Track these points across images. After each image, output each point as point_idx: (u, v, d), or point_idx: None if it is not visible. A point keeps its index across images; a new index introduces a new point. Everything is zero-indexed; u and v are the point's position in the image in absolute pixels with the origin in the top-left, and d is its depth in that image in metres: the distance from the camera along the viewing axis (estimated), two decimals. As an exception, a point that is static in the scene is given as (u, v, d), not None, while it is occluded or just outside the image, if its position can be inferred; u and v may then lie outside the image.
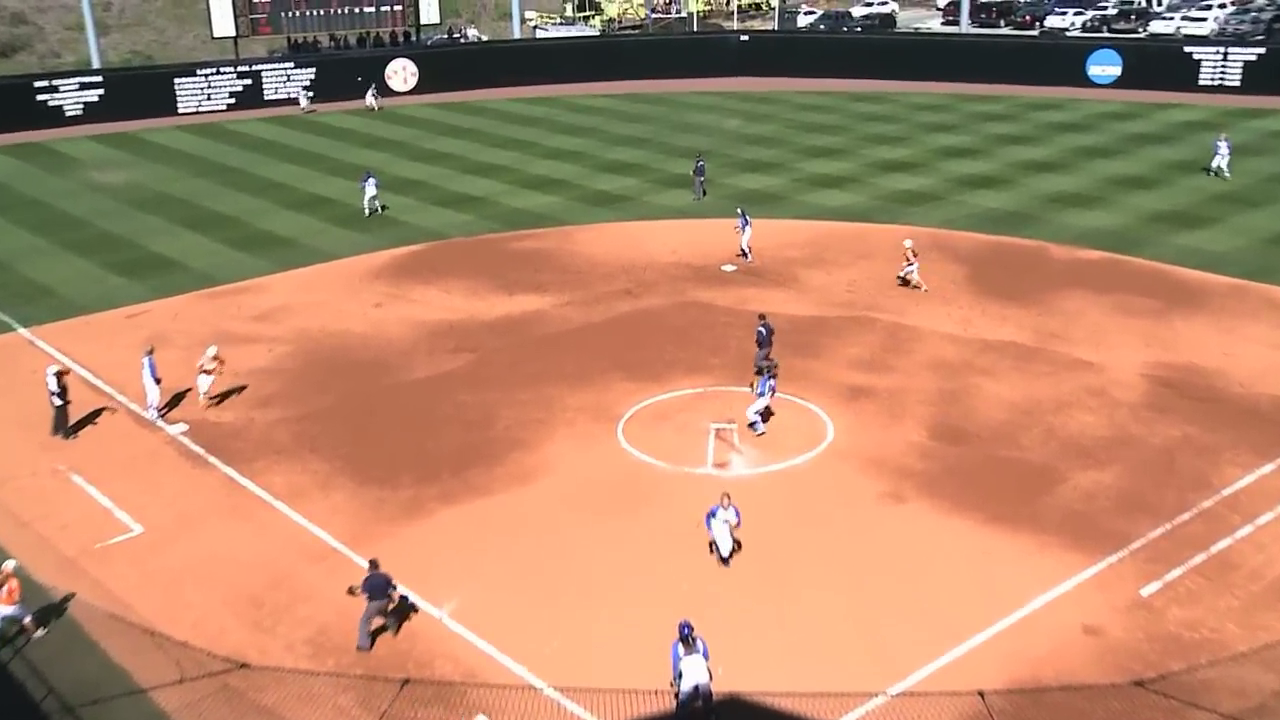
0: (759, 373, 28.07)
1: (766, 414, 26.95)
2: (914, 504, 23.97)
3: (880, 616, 20.21)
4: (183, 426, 27.93)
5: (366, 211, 45.22)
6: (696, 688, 17.03)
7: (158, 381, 28.09)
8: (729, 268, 38.81)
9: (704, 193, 47.36)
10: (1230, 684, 17.98)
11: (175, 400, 28.97)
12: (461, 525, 23.53)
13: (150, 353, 28.24)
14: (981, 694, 14.11)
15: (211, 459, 26.48)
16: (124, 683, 18.59)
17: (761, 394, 26.60)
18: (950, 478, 24.91)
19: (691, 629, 17.28)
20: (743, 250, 39.21)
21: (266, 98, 67.31)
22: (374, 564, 20.06)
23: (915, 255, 36.06)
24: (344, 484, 25.27)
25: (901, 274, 36.23)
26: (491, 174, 52.13)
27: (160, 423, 28.05)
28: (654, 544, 22.63)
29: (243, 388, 29.97)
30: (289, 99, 67.27)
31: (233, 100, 66.80)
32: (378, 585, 19.71)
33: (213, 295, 37.01)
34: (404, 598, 20.32)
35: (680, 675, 17.03)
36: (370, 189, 45.24)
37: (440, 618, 20.40)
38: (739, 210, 39.87)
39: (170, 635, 19.41)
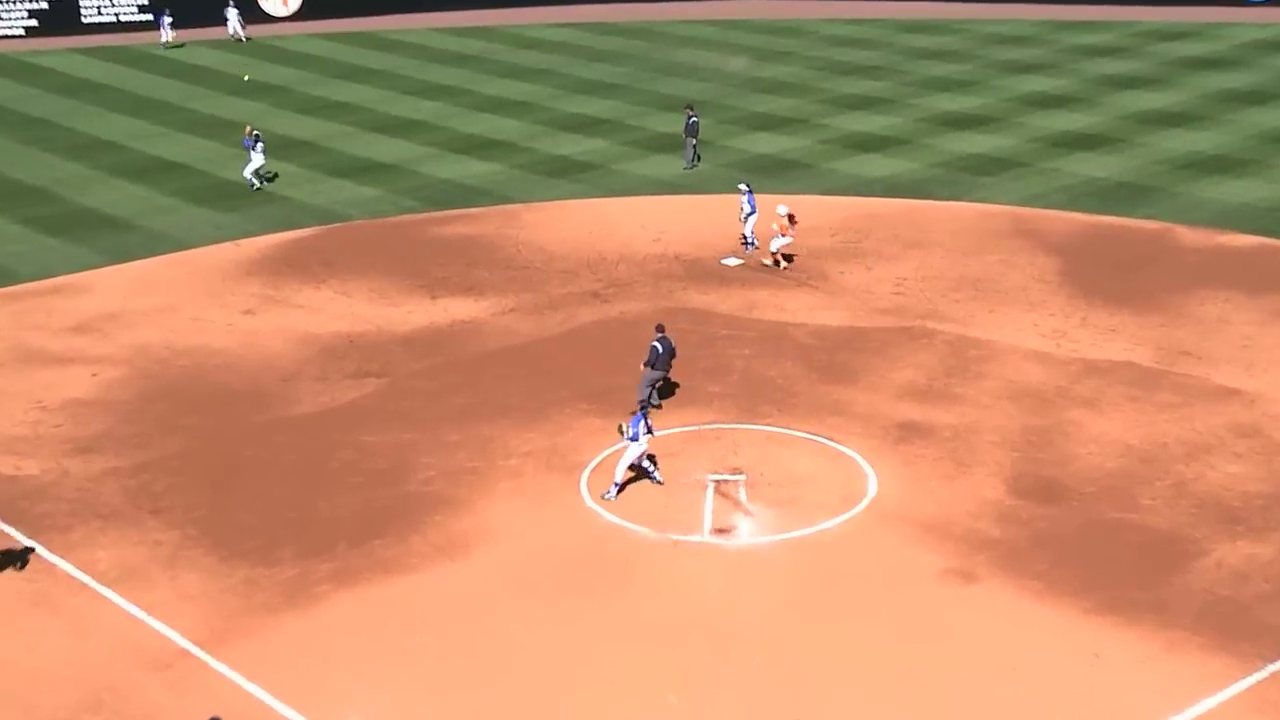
0: (644, 407, 28.09)
1: (652, 462, 26.98)
2: (989, 584, 23.85)
3: (946, 741, 20.06)
4: (-40, 480, 27.64)
5: (253, 184, 45.06)
6: None
7: None
8: (732, 261, 38.74)
9: (697, 158, 47.35)
10: None
11: (-38, 443, 28.67)
12: (365, 615, 23.24)
13: None
14: None
15: (4, 527, 26.09)
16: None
17: (634, 438, 26.37)
18: (1040, 550, 24.81)
19: None
20: (745, 238, 39.24)
21: (85, 19, 66.85)
22: None
23: (793, 223, 37.10)
24: (198, 560, 24.95)
25: (773, 249, 37.53)
26: (407, 133, 52.07)
27: None
28: (628, 638, 22.42)
29: (55, 427, 29.64)
30: (118, 22, 66.86)
31: (33, 23, 66.25)
32: None
33: (10, 297, 36.69)
34: None
35: None
36: (257, 156, 45.12)
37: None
38: (742, 185, 39.88)
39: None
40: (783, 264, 38.03)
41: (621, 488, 26.49)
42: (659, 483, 26.77)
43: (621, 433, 26.47)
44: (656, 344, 29.57)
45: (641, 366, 29.62)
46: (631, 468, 26.56)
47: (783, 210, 37.46)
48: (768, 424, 29.49)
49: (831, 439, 28.69)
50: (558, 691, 21.28)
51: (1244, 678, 21.45)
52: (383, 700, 20.94)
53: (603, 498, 26.38)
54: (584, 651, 22.21)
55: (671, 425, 29.30)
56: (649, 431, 26.40)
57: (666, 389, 30.48)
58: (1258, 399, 30.23)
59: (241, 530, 25.85)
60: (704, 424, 29.49)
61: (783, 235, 37.45)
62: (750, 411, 29.92)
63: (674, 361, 29.82)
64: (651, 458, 26.85)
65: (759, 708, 20.85)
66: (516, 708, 20.94)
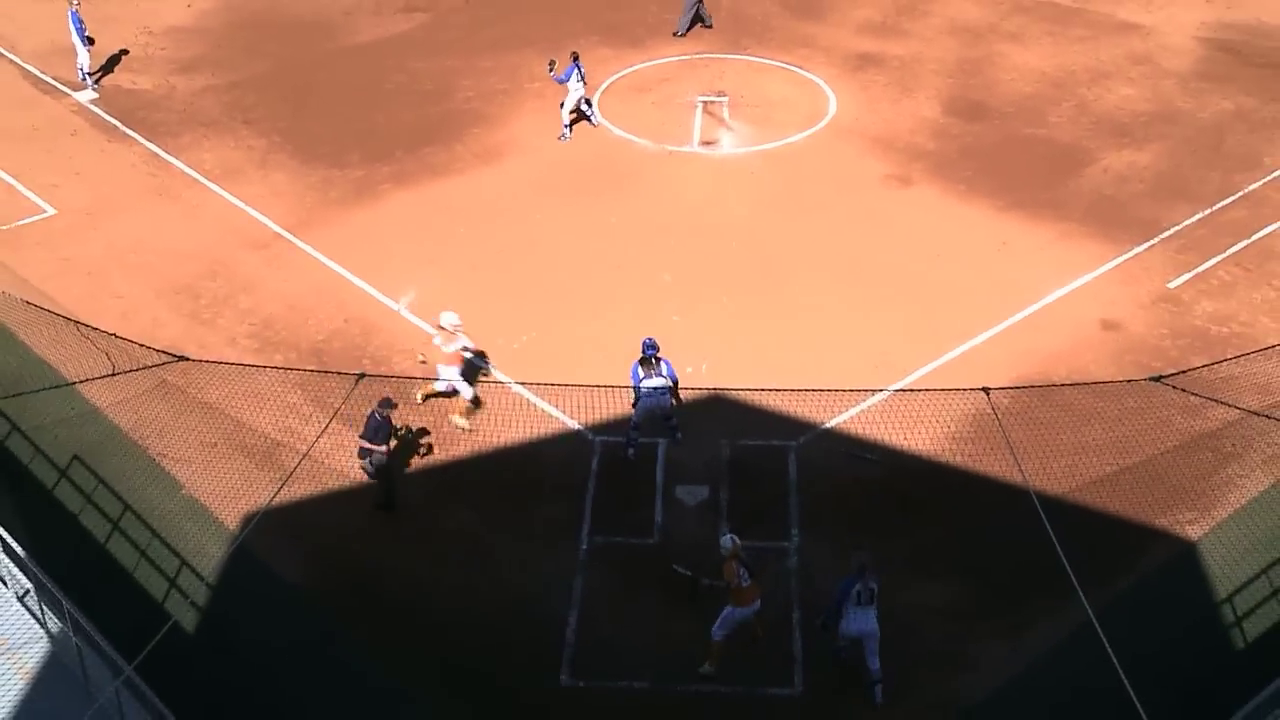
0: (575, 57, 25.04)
1: (589, 105, 25.46)
2: (923, 188, 23.74)
3: (882, 310, 20.37)
4: (90, 94, 27.05)
5: None
6: (659, 407, 17.29)
7: (89, 41, 26.87)
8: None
9: None
10: (1256, 379, 18.42)
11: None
12: (419, 209, 23.26)
13: (75, 3, 26.79)
14: (987, 390, 14.40)
15: (129, 131, 25.77)
16: (48, 376, 18.79)
17: (563, 79, 24.61)
18: (965, 159, 24.58)
19: (655, 348, 17.27)
20: None
21: None
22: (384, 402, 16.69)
23: None
24: (284, 162, 24.78)
25: None
26: None
27: (90, 86, 27.04)
28: (633, 230, 22.49)
29: (160, 49, 28.86)
30: None
31: None
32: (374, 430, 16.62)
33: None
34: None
35: (640, 396, 17.20)
36: None
37: (398, 310, 20.47)
38: None
39: (97, 326, 19.50)
40: None
41: (570, 126, 25.41)
42: (595, 125, 25.72)
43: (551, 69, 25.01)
44: None
45: None
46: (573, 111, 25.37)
47: None
48: (748, 54, 28.67)
49: (800, 67, 27.95)
50: (575, 271, 21.51)
51: (1116, 258, 21.70)
52: (434, 276, 21.18)
53: (559, 139, 25.46)
54: (595, 240, 22.32)
55: (667, 55, 28.51)
56: (581, 79, 24.93)
57: (665, 25, 29.49)
58: (1153, 31, 29.29)
59: (317, 139, 25.51)
60: (694, 54, 28.68)
61: None
62: (733, 44, 29.02)
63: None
64: (588, 101, 25.82)
65: (736, 283, 21.13)
66: (542, 282, 21.22)
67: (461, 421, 18.12)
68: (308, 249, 22.04)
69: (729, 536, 14.30)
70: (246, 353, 19.71)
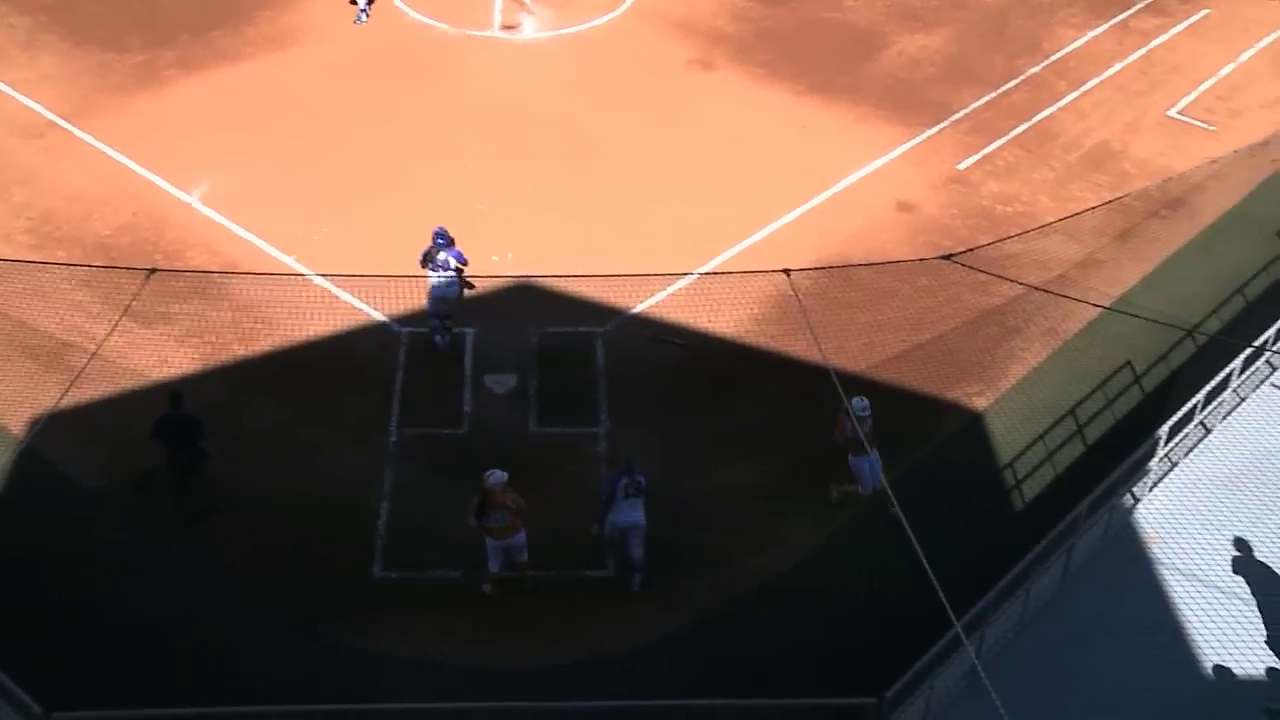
0: None
1: None
2: (724, 72, 23.72)
3: (686, 195, 20.36)
4: None
5: None
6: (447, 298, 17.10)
7: None
8: None
9: None
10: (1036, 255, 19.23)
11: None
12: (208, 97, 22.07)
13: None
14: (788, 272, 14.62)
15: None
16: None
17: None
18: (765, 43, 24.62)
19: (445, 238, 16.90)
20: None
21: None
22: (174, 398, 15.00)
23: None
24: (53, 44, 23.14)
25: None
26: None
27: None
28: (434, 117, 21.85)
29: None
30: None
31: None
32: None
33: None
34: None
35: (436, 297, 16.88)
36: None
37: (190, 203, 19.54)
38: None
39: None
40: None
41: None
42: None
43: None
44: None
45: None
46: None
47: None
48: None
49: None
50: (375, 159, 20.81)
51: (909, 140, 22.21)
52: (228, 167, 20.21)
53: (354, 22, 24.44)
54: (395, 128, 21.60)
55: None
56: None
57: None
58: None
59: (90, 19, 23.89)
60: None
61: None
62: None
63: None
64: None
65: (540, 170, 20.82)
66: (341, 171, 20.49)
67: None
68: (88, 138, 20.73)
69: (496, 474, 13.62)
70: (24, 249, 18.46)
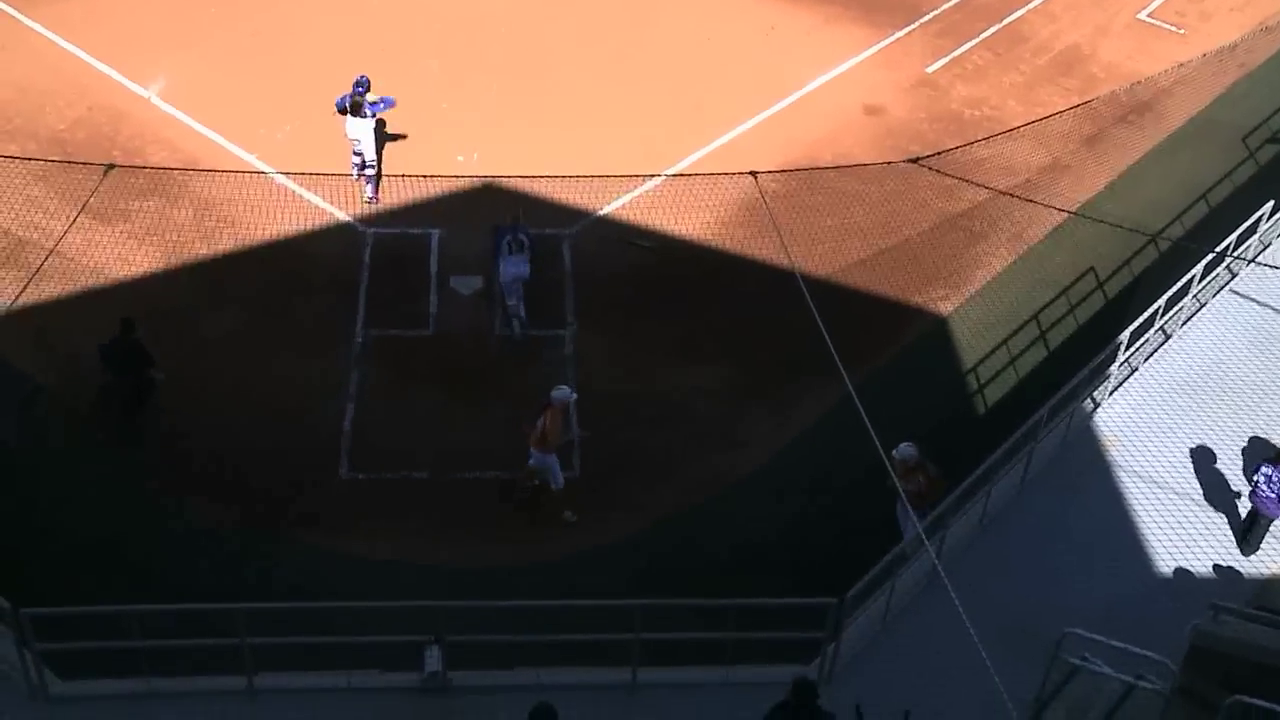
0: None
1: None
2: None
3: (653, 97, 20.01)
4: None
5: None
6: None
7: None
8: None
9: None
10: (1003, 160, 19.10)
11: None
12: (162, -12, 21.43)
13: None
14: (754, 174, 14.42)
15: None
16: None
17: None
18: (735, -61, 24.07)
19: (365, 86, 17.19)
20: None
21: None
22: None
23: None
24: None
25: None
26: None
27: None
28: (397, 16, 21.29)
29: None
30: None
31: None
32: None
33: None
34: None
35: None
36: None
37: (148, 98, 19.03)
38: None
39: None
40: None
41: None
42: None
43: None
44: None
45: None
46: None
47: None
48: None
49: None
50: (337, 57, 20.15)
51: (879, 42, 21.93)
52: (189, 62, 19.67)
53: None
54: (357, 25, 21.10)
55: None
56: None
57: None
58: None
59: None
60: None
61: None
62: None
63: None
64: None
65: (504, 71, 20.38)
66: (302, 68, 19.95)
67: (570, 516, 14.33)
68: (36, 27, 20.09)
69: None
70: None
